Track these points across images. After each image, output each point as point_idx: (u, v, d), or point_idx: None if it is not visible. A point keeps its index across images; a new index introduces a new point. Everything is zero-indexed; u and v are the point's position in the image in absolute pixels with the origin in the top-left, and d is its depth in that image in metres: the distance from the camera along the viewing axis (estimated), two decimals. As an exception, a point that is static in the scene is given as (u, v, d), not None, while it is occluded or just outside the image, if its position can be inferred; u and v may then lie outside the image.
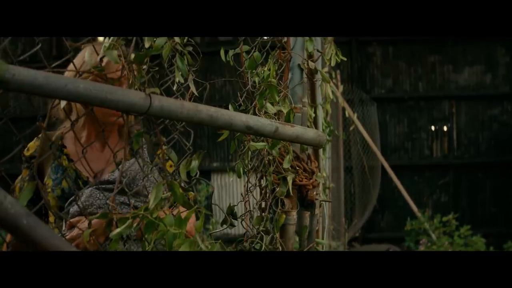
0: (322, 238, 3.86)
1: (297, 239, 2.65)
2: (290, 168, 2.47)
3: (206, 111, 1.82)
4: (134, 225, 1.76)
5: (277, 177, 2.52)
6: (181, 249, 1.76)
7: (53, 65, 1.53)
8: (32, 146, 2.71)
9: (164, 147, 1.99)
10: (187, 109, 1.75)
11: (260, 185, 2.57)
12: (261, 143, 2.49)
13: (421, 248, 9.51)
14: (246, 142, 2.52)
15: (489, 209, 13.35)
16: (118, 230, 1.73)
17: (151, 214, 1.76)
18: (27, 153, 2.68)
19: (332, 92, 2.99)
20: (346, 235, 10.20)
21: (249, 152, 2.56)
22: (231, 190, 13.77)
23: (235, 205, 2.53)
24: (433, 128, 13.64)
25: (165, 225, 1.77)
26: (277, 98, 2.39)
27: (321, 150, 3.44)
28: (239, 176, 2.63)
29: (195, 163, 1.97)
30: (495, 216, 13.23)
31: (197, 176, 1.98)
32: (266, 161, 2.53)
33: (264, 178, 2.58)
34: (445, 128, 13.66)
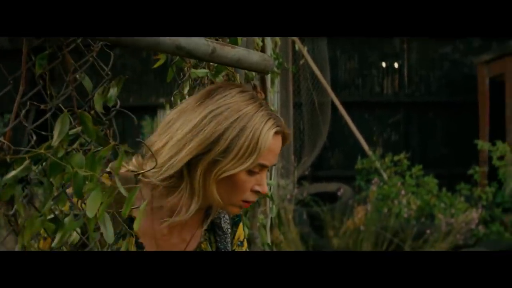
0: (270, 178, 3.62)
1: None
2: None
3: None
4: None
5: None
6: (92, 196, 1.44)
7: None
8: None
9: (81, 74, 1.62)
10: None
11: None
12: (202, 70, 2.24)
13: (373, 188, 9.33)
14: (186, 69, 2.27)
15: (440, 149, 13.30)
16: (13, 172, 1.40)
17: (55, 153, 1.43)
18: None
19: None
20: (295, 173, 10.04)
21: (189, 81, 2.29)
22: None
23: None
24: (384, 64, 13.46)
25: (72, 166, 1.44)
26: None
27: (269, 83, 3.18)
28: None
29: (113, 91, 1.62)
30: (446, 157, 13.18)
31: (117, 107, 1.63)
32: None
33: None
34: (396, 65, 13.46)
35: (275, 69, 3.99)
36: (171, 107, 2.47)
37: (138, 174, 1.77)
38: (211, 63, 2.18)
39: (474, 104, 12.63)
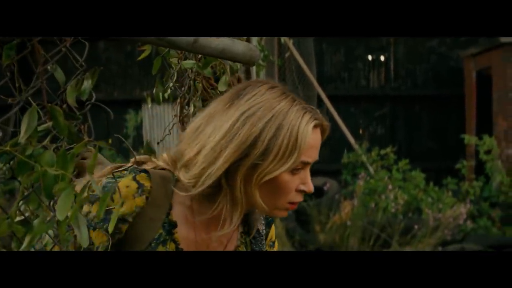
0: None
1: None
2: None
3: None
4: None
5: (205, 103, 2.23)
6: (63, 196, 1.33)
7: None
8: (130, 199, 1.72)
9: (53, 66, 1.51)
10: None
11: (182, 114, 2.20)
12: (189, 61, 2.16)
13: (360, 182, 9.26)
14: (172, 60, 2.21)
15: (426, 143, 13.26)
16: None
17: (22, 151, 1.33)
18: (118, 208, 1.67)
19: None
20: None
21: (175, 74, 2.20)
22: (163, 121, 13.33)
23: (161, 140, 2.34)
24: (370, 58, 13.40)
25: (41, 165, 1.33)
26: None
27: (254, 75, 3.10)
28: (158, 103, 2.35)
29: (87, 84, 1.51)
30: (433, 151, 13.15)
31: (93, 100, 1.52)
32: (192, 84, 2.22)
33: (192, 105, 2.30)
34: (382, 58, 13.40)
35: (261, 62, 3.91)
36: (153, 100, 2.38)
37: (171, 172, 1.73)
38: (200, 55, 2.09)
39: (460, 98, 12.63)
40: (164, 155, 1.80)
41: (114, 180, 1.71)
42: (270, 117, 1.66)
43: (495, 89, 11.50)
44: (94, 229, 1.68)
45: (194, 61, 2.16)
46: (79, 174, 1.82)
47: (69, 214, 1.34)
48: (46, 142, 1.41)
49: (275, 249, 2.01)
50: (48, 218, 1.37)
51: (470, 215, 9.11)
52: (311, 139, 1.69)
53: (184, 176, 1.70)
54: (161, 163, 1.78)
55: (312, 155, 1.72)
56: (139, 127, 12.96)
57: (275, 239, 2.01)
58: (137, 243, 1.72)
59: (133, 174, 1.72)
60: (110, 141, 1.66)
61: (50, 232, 1.42)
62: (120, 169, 1.78)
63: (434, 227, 8.34)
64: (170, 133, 2.35)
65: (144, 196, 1.71)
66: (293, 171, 1.70)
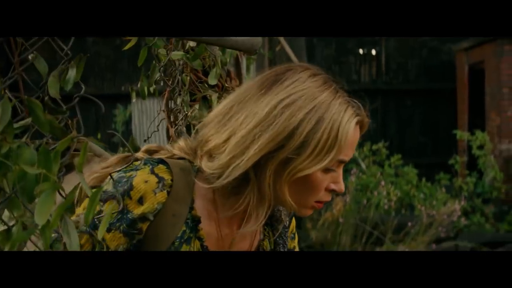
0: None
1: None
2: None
3: None
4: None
5: (193, 97, 2.13)
6: (43, 199, 1.19)
7: None
8: (151, 197, 1.54)
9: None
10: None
11: (169, 108, 2.08)
12: (178, 52, 2.06)
13: (352, 178, 9.19)
14: (159, 51, 2.12)
15: (418, 138, 13.25)
16: None
17: (-3, 148, 1.19)
18: (136, 208, 1.53)
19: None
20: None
21: (159, 66, 2.10)
22: (153, 115, 13.21)
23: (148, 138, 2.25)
24: (361, 51, 13.37)
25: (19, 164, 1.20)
26: None
27: (244, 69, 2.99)
28: (144, 97, 2.26)
29: (72, 73, 1.37)
30: (425, 146, 13.15)
31: (82, 92, 1.38)
32: (179, 77, 2.12)
33: (181, 98, 2.20)
34: (373, 52, 13.37)
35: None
36: (138, 95, 2.27)
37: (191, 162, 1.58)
38: (190, 44, 1.97)
39: (453, 92, 12.62)
40: (181, 142, 1.64)
41: (128, 173, 1.55)
42: (311, 108, 1.50)
43: (487, 84, 11.46)
44: (108, 231, 1.52)
45: (182, 52, 2.06)
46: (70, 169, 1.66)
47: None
48: (25, 138, 1.28)
49: (296, 241, 1.86)
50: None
51: (464, 212, 9.06)
52: (351, 135, 1.54)
53: (207, 166, 1.54)
54: (176, 152, 1.62)
55: (349, 153, 1.56)
56: (128, 122, 12.83)
57: (295, 231, 1.86)
58: (158, 243, 1.56)
59: (150, 166, 1.55)
60: (99, 136, 1.51)
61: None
62: (130, 160, 1.62)
63: (427, 224, 8.28)
64: (158, 130, 2.24)
65: (165, 191, 1.54)
66: (327, 169, 1.54)
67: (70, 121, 1.33)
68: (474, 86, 12.04)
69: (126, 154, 1.66)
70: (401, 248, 7.91)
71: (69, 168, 1.72)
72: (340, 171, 1.59)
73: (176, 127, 2.17)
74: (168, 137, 2.21)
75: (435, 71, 13.18)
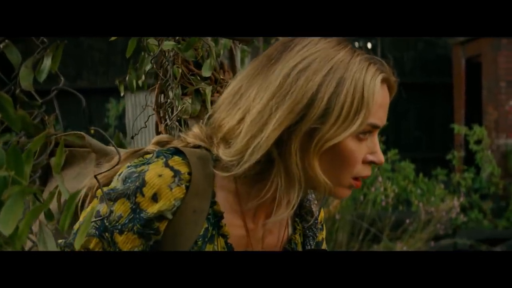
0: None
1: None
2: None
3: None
4: None
5: (185, 90, 2.05)
6: (9, 205, 1.04)
7: None
8: (167, 193, 1.38)
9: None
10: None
11: (158, 102, 2.11)
12: (170, 42, 1.96)
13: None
14: (149, 41, 2.03)
15: (413, 132, 13.25)
16: None
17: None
18: (151, 206, 1.37)
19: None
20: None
21: (153, 57, 2.07)
22: (147, 109, 13.09)
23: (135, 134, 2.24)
24: (356, 45, 13.24)
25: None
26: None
27: (239, 62, 2.89)
28: (132, 91, 2.17)
29: (47, 62, 1.23)
30: (420, 140, 13.16)
31: (61, 85, 1.24)
32: (170, 68, 2.08)
33: (173, 92, 2.11)
34: (369, 45, 13.30)
35: (245, 47, 3.71)
36: (126, 88, 2.16)
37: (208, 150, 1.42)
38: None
39: (449, 86, 12.58)
40: (196, 129, 1.48)
41: (139, 168, 1.39)
42: (329, 69, 1.34)
43: (485, 78, 11.41)
44: (120, 232, 1.37)
45: (174, 42, 1.96)
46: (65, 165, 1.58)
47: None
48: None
49: (324, 233, 1.70)
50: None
51: (461, 207, 8.99)
52: (379, 95, 1.39)
53: (224, 153, 1.38)
54: (191, 139, 1.46)
55: (381, 116, 1.40)
56: (121, 116, 12.70)
57: (323, 222, 1.71)
58: (179, 243, 1.40)
59: (164, 159, 1.39)
60: (92, 131, 1.35)
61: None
62: (140, 154, 1.46)
63: (425, 221, 8.18)
64: (146, 126, 2.12)
65: (183, 186, 1.38)
66: (360, 136, 1.37)
67: (46, 117, 1.19)
68: (471, 80, 12.00)
69: (136, 148, 1.50)
70: (399, 245, 7.81)
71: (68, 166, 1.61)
72: (375, 138, 1.42)
73: (165, 122, 2.04)
74: (158, 133, 2.09)
75: (431, 64, 13.21)
